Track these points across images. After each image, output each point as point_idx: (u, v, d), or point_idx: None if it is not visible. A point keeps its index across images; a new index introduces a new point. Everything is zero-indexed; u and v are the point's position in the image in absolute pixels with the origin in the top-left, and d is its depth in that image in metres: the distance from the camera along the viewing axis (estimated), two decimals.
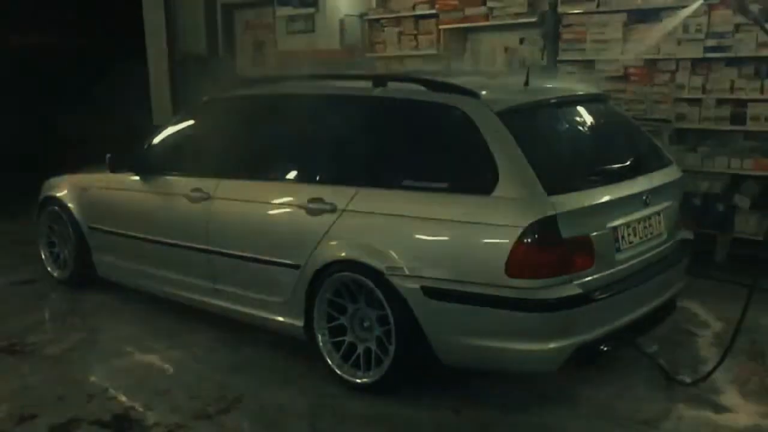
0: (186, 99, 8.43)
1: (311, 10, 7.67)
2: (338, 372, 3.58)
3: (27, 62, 12.80)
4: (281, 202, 3.83)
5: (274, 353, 3.99)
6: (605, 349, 3.26)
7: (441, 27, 6.92)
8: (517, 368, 3.32)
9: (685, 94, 5.57)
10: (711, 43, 5.37)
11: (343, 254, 3.48)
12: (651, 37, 5.45)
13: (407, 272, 3.27)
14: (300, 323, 3.71)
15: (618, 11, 5.78)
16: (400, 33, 7.24)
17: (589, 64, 5.96)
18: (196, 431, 3.24)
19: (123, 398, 3.53)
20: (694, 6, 4.69)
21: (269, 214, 3.86)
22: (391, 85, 3.74)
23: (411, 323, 3.31)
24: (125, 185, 4.63)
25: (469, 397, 3.46)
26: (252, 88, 4.59)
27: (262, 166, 4.04)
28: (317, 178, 3.72)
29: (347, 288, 3.54)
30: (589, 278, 3.17)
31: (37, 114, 12.40)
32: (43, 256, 5.36)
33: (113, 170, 4.68)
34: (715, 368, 3.50)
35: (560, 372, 3.23)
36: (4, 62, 12.56)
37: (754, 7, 4.57)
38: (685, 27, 5.44)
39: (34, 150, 10.66)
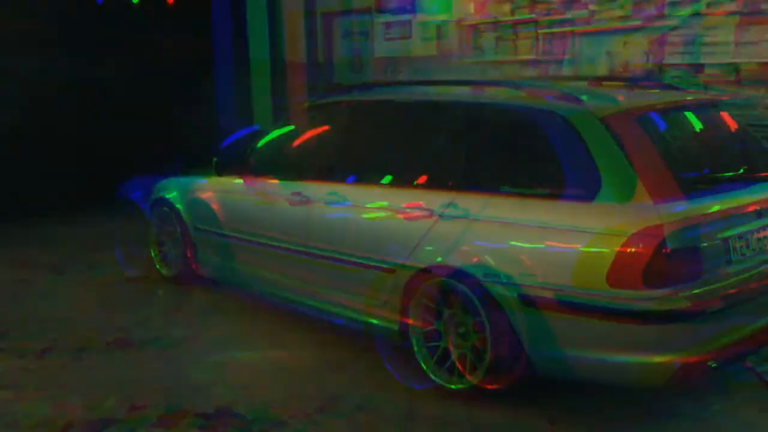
0: (286, 105, 8.69)
1: (408, 16, 7.73)
2: (432, 377, 3.59)
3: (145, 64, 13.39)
4: (379, 206, 3.88)
5: (369, 355, 4.03)
6: (713, 365, 3.11)
7: (540, 32, 6.83)
8: (618, 382, 3.21)
9: None
10: None
11: (440, 259, 3.49)
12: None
13: (504, 279, 3.23)
14: (395, 327, 3.75)
15: (730, 13, 5.53)
16: (498, 38, 7.19)
17: (697, 68, 5.73)
18: (294, 428, 3.32)
19: (225, 393, 3.66)
20: None
21: (366, 218, 3.92)
22: (491, 90, 3.72)
23: (507, 331, 3.27)
24: (229, 188, 4.82)
25: (565, 408, 3.39)
26: (350, 94, 4.69)
27: (360, 171, 4.11)
28: (415, 183, 3.74)
29: (443, 293, 3.54)
30: (697, 291, 3.04)
31: (145, 113, 13.01)
32: (152, 255, 5.64)
33: (219, 173, 4.87)
34: None
35: (664, 387, 3.12)
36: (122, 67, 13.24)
37: None
38: None
39: (145, 151, 11.23)
